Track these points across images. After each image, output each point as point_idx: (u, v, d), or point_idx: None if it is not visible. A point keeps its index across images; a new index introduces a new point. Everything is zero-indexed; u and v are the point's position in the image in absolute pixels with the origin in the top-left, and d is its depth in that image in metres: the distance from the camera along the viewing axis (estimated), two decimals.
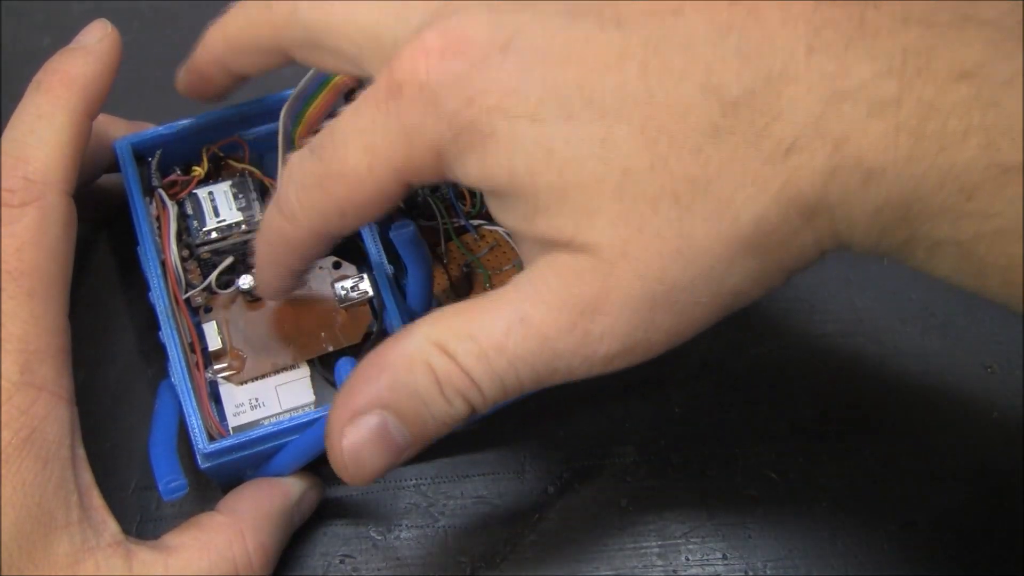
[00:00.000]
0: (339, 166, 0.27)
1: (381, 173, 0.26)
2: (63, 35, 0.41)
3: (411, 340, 0.26)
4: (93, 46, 0.32)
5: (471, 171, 0.25)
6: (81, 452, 0.29)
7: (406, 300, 0.34)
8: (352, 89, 0.34)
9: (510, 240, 0.37)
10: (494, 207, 0.27)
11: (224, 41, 0.32)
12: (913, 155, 0.22)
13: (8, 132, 0.31)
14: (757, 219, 0.24)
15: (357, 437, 0.26)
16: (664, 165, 0.24)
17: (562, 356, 0.25)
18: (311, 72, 0.34)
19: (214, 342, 0.34)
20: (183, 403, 0.32)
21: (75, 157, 0.31)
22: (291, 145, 0.35)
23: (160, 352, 0.33)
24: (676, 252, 0.24)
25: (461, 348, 0.25)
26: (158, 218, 0.35)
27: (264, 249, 0.30)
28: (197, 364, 0.33)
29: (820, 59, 0.23)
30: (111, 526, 0.29)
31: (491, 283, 0.36)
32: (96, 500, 0.29)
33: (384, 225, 0.34)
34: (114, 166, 0.35)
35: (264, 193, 0.36)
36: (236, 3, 0.32)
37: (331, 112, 0.35)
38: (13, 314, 0.28)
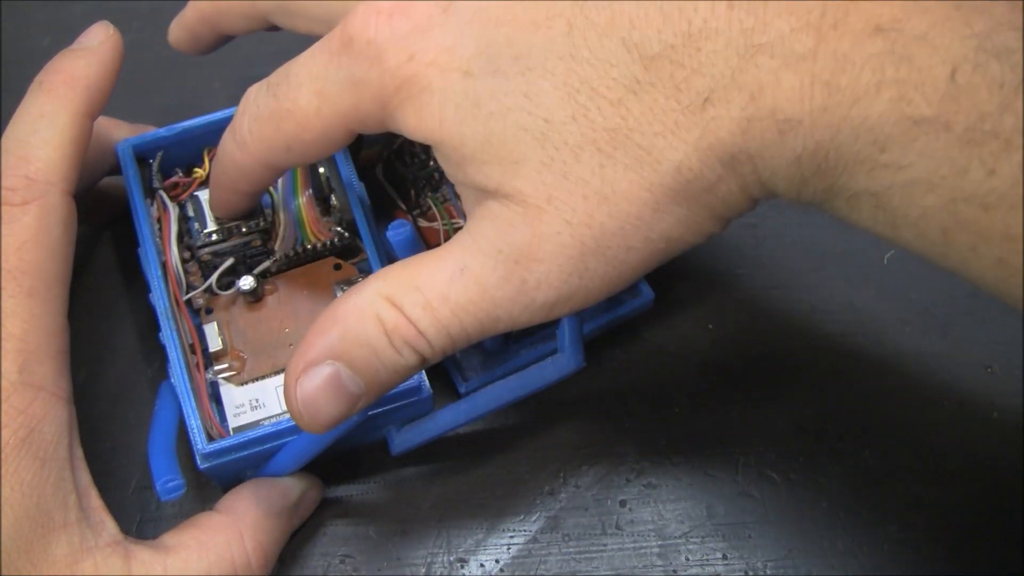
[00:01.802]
0: (290, 105, 0.29)
1: (328, 116, 0.28)
2: (63, 35, 0.41)
3: (361, 294, 0.28)
4: (95, 48, 0.32)
5: (410, 121, 0.27)
6: (79, 452, 0.29)
7: None
8: None
9: None
10: (438, 158, 0.28)
11: (211, 4, 0.35)
12: (827, 106, 0.23)
13: (10, 131, 0.31)
14: (678, 166, 0.25)
15: (311, 386, 0.27)
16: (585, 116, 0.25)
17: (501, 305, 0.27)
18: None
19: (215, 343, 0.34)
20: (182, 403, 0.32)
21: (76, 157, 0.31)
22: None
23: (160, 353, 0.33)
24: (601, 198, 0.26)
25: (408, 300, 0.27)
26: (159, 220, 0.35)
27: (217, 170, 0.32)
28: (197, 365, 0.33)
29: (740, 14, 0.24)
30: (109, 526, 0.29)
31: None
32: (94, 500, 0.29)
33: (383, 226, 0.34)
34: (116, 168, 0.35)
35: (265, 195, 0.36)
36: None
37: None
38: (12, 313, 0.28)
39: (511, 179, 0.26)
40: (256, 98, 0.30)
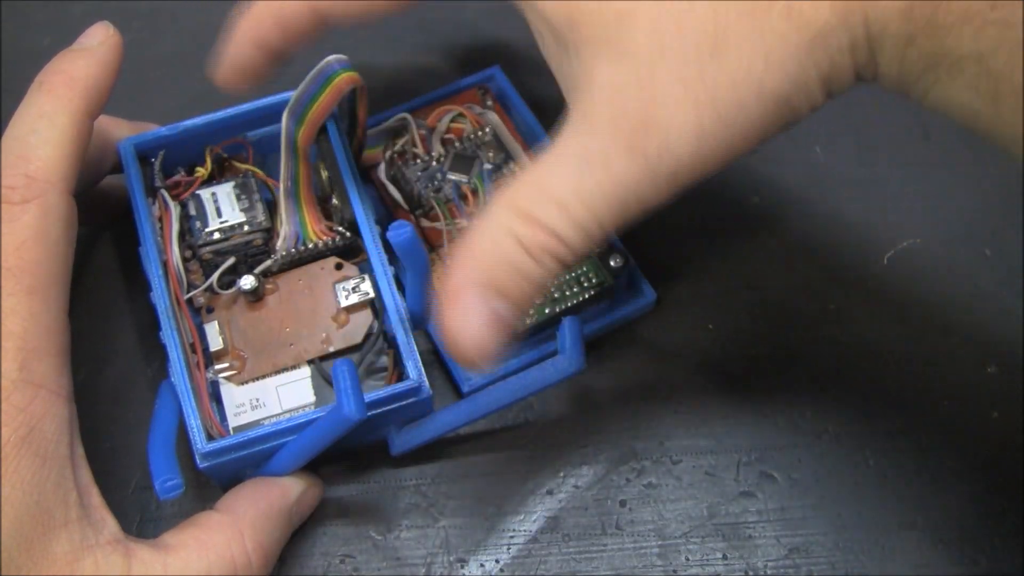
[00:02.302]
0: None
1: None
2: (63, 35, 0.41)
3: (493, 217, 0.27)
4: (95, 48, 0.32)
5: None
6: (80, 451, 0.29)
7: (406, 301, 0.34)
8: (352, 89, 0.34)
9: None
10: (539, 20, 0.27)
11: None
12: None
13: (10, 131, 0.31)
14: (789, 10, 0.24)
15: (473, 329, 0.27)
16: None
17: (629, 184, 0.26)
18: (312, 73, 0.34)
19: (215, 342, 0.34)
20: (182, 403, 0.32)
21: (76, 157, 0.31)
22: (293, 146, 0.35)
23: (161, 352, 0.33)
24: (713, 48, 0.25)
25: (541, 209, 0.26)
26: (160, 218, 0.35)
27: (249, 18, 0.30)
28: (198, 364, 0.33)
29: None
30: (110, 524, 0.29)
31: None
32: (95, 498, 0.29)
33: (384, 227, 0.34)
34: (118, 168, 0.35)
35: (267, 194, 0.36)
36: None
37: (332, 112, 0.35)
38: (12, 311, 0.28)
39: (624, 32, 0.25)
40: None
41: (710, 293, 0.39)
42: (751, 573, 0.34)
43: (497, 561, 0.34)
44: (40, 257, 0.29)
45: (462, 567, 0.34)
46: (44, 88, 0.31)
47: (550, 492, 0.35)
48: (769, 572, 0.34)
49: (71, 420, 0.29)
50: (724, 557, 0.34)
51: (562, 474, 0.36)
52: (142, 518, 0.35)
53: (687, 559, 0.34)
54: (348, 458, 0.36)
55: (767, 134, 0.26)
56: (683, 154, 0.26)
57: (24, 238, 0.29)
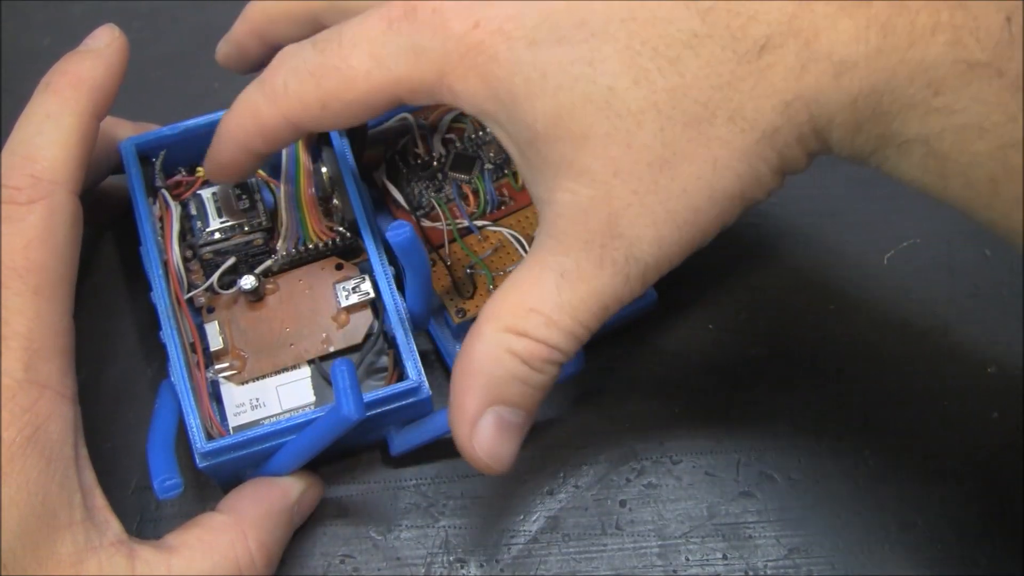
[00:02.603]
0: (339, 63, 0.29)
1: (378, 80, 0.28)
2: (63, 35, 0.42)
3: (484, 339, 0.28)
4: (101, 50, 0.32)
5: (476, 91, 0.27)
6: (84, 451, 0.29)
7: (406, 301, 0.34)
8: None
9: (514, 242, 0.37)
10: (503, 135, 0.29)
11: (262, 12, 0.34)
12: (883, 48, 0.24)
13: (16, 132, 0.31)
14: (732, 116, 0.26)
15: (486, 440, 0.29)
16: (646, 78, 0.26)
17: (606, 291, 0.27)
18: None
19: (216, 342, 0.34)
20: (182, 402, 0.32)
21: (82, 157, 0.31)
22: (294, 146, 0.35)
23: (161, 352, 0.33)
24: (663, 162, 0.26)
25: (529, 324, 0.28)
26: (161, 218, 0.35)
27: (231, 125, 0.31)
28: (198, 364, 0.33)
29: None
30: (114, 525, 0.29)
31: (494, 285, 0.36)
32: (99, 499, 0.29)
33: (385, 226, 0.34)
34: (119, 168, 0.35)
35: (267, 194, 0.36)
36: None
37: None
38: (18, 311, 0.28)
39: (580, 155, 0.27)
40: (298, 53, 0.30)
41: (710, 293, 0.39)
42: (751, 573, 0.34)
43: (497, 561, 0.34)
44: (46, 258, 0.29)
45: (462, 567, 0.34)
46: (50, 89, 0.31)
47: (550, 492, 0.35)
48: (769, 572, 0.34)
49: (75, 421, 0.29)
50: (724, 557, 0.34)
51: (562, 474, 0.36)
52: (142, 518, 0.35)
53: (687, 559, 0.34)
54: (348, 458, 0.36)
55: (726, 224, 0.28)
56: (647, 259, 0.27)
57: (30, 238, 0.29)
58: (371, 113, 0.30)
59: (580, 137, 0.27)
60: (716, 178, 0.26)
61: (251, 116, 0.31)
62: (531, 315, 0.28)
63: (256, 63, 0.35)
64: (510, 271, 0.36)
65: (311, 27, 0.33)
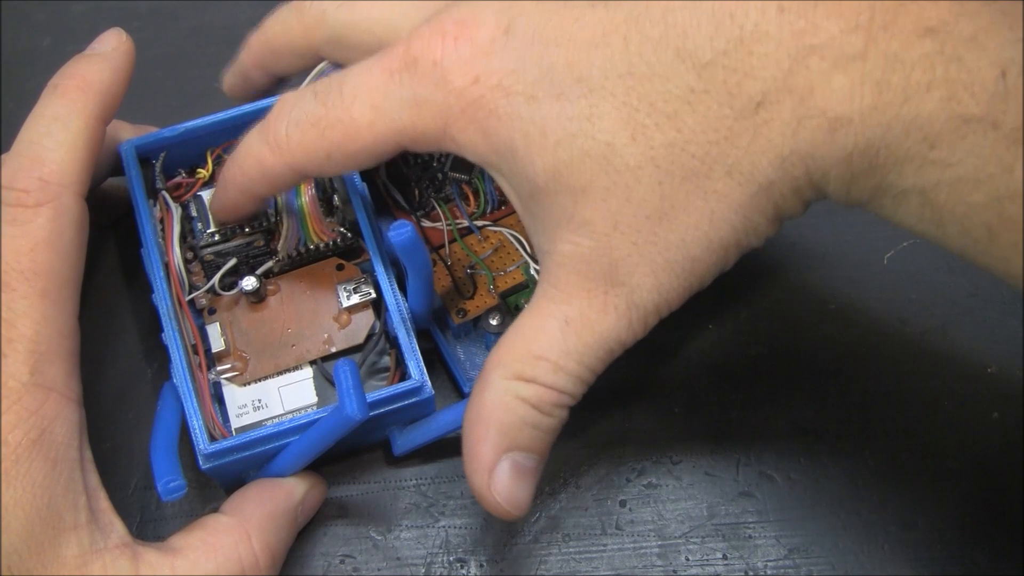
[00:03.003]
0: (341, 114, 0.29)
1: (381, 131, 0.29)
2: (63, 35, 0.42)
3: (493, 388, 0.29)
4: (109, 53, 0.33)
5: (476, 143, 0.28)
6: (88, 454, 0.29)
7: (407, 301, 0.34)
8: None
9: (514, 242, 0.37)
10: (504, 186, 0.29)
11: (264, 46, 0.35)
12: (878, 105, 0.24)
13: (24, 134, 0.31)
14: (729, 170, 0.26)
15: (504, 487, 0.29)
16: (643, 134, 0.26)
17: (610, 335, 0.28)
18: (312, 74, 0.34)
19: (217, 344, 0.34)
20: (184, 404, 0.32)
21: (89, 160, 0.31)
22: None
23: (162, 353, 0.33)
24: (661, 215, 0.27)
25: (537, 371, 0.29)
26: (162, 220, 0.35)
27: (235, 172, 0.32)
28: (200, 365, 0.33)
29: (790, 17, 0.25)
30: (118, 527, 0.29)
31: (495, 285, 0.36)
32: (103, 502, 0.29)
33: (385, 227, 0.34)
34: (119, 169, 0.35)
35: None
36: (274, 12, 0.35)
37: None
38: (25, 314, 0.28)
39: (580, 208, 0.27)
40: (299, 103, 0.30)
41: (710, 293, 0.39)
42: (751, 573, 0.34)
43: (497, 561, 0.34)
44: (53, 260, 0.29)
45: (462, 567, 0.34)
46: (58, 92, 0.31)
47: (550, 492, 0.35)
48: (769, 572, 0.34)
49: (80, 423, 0.29)
50: (724, 557, 0.34)
51: (562, 474, 0.36)
52: (142, 518, 0.35)
53: (687, 559, 0.34)
54: (348, 458, 0.36)
55: (724, 269, 0.29)
56: (647, 305, 0.28)
57: (37, 241, 0.29)
58: (376, 160, 0.30)
59: (580, 191, 0.27)
60: (713, 229, 0.27)
61: (256, 164, 0.31)
62: (538, 362, 0.29)
63: (260, 92, 0.37)
64: (511, 271, 0.37)
65: (311, 60, 0.34)
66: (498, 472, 0.29)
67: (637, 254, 0.27)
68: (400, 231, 0.31)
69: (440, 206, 0.37)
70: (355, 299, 0.35)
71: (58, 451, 0.28)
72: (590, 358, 0.29)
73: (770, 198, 0.27)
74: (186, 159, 0.36)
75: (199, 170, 0.36)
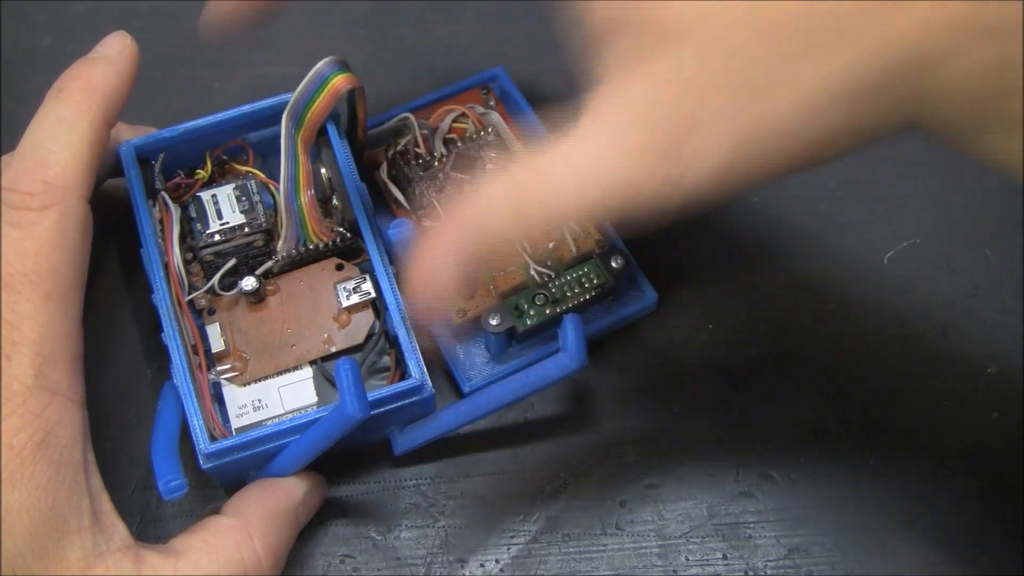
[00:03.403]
0: None
1: None
2: (63, 35, 0.42)
3: (498, 188, 0.28)
4: (113, 56, 0.32)
5: None
6: (91, 456, 0.29)
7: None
8: (351, 90, 0.34)
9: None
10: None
11: None
12: None
13: (28, 136, 0.31)
14: (846, 69, 0.24)
15: (441, 287, 0.28)
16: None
17: (641, 182, 0.26)
18: (309, 75, 0.34)
19: (217, 344, 0.34)
20: (185, 404, 0.32)
21: (94, 163, 0.31)
22: (293, 148, 0.35)
23: (161, 353, 0.33)
24: (761, 88, 0.25)
25: (559, 182, 0.26)
26: (161, 221, 0.35)
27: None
28: (200, 365, 0.33)
29: None
30: (120, 530, 0.29)
31: (495, 285, 0.36)
32: (106, 504, 0.29)
33: (385, 226, 0.34)
34: (118, 170, 0.35)
35: (267, 196, 0.36)
36: None
37: (331, 113, 0.35)
38: (29, 317, 0.28)
39: (676, 50, 0.26)
40: None
41: (710, 293, 0.39)
42: (751, 573, 0.34)
43: (497, 561, 0.34)
44: (57, 263, 0.29)
45: (462, 567, 0.34)
46: (63, 95, 0.31)
47: (550, 492, 0.35)
48: (769, 572, 0.34)
49: (84, 426, 0.29)
50: (724, 557, 0.34)
51: (562, 474, 0.36)
52: (142, 518, 0.35)
53: (687, 559, 0.34)
54: (348, 458, 0.36)
55: (787, 173, 0.26)
56: (706, 180, 0.26)
57: (42, 244, 0.29)
58: None
59: (681, 35, 0.25)
60: (804, 122, 0.25)
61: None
62: (566, 174, 0.26)
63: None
64: (511, 271, 0.37)
65: None
66: (447, 265, 0.28)
67: (725, 121, 0.25)
68: (399, 228, 0.31)
69: (440, 206, 0.37)
70: (355, 299, 0.35)
71: (62, 454, 0.28)
72: (615, 195, 0.26)
73: (870, 114, 0.25)
74: (185, 160, 0.36)
75: (198, 171, 0.36)
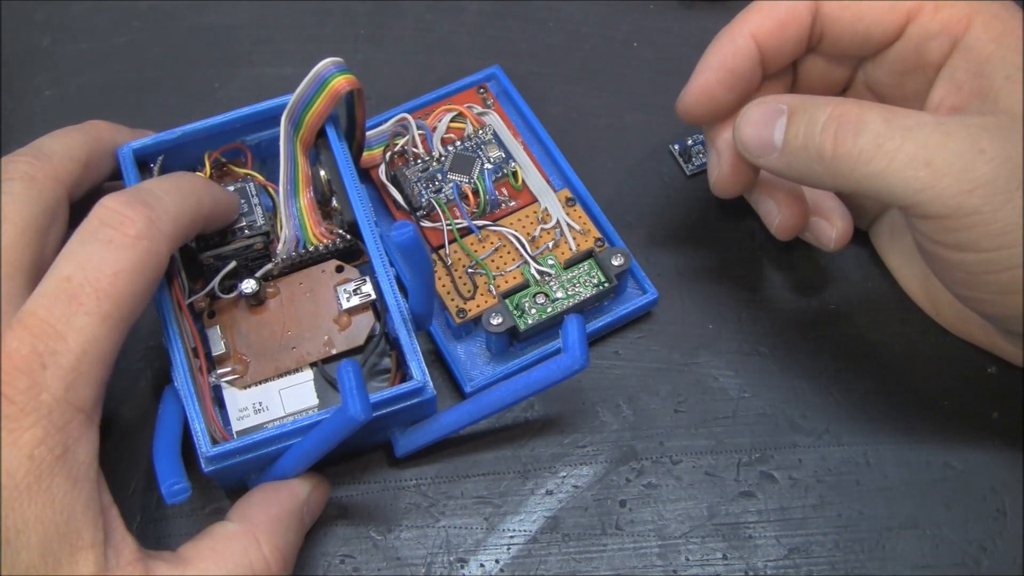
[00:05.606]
0: None
1: None
2: (63, 35, 0.41)
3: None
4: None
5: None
6: (101, 475, 0.29)
7: (408, 301, 0.34)
8: (349, 91, 0.34)
9: (514, 242, 0.37)
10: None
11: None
12: None
13: (148, 183, 0.32)
14: None
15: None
16: None
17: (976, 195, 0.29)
18: (308, 77, 0.34)
19: (218, 347, 0.34)
20: (186, 407, 0.32)
21: (191, 230, 0.32)
22: (292, 149, 0.35)
23: (161, 357, 0.33)
24: None
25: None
26: None
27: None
28: (200, 368, 0.33)
29: None
30: (130, 544, 0.29)
31: (495, 285, 0.36)
32: (116, 520, 0.29)
33: (385, 228, 0.34)
34: (117, 173, 0.35)
35: (266, 198, 0.36)
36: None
37: (329, 115, 0.35)
38: (79, 331, 0.28)
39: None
40: None
41: (710, 293, 0.39)
42: (751, 573, 0.34)
43: (497, 561, 0.34)
44: (126, 291, 0.29)
45: (462, 567, 0.34)
46: (187, 179, 0.33)
47: (550, 492, 0.35)
48: (769, 572, 0.34)
49: (96, 445, 0.29)
50: (724, 557, 0.34)
51: (562, 474, 0.36)
52: (142, 519, 0.35)
53: (687, 559, 0.34)
54: (348, 459, 0.36)
55: None
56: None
57: (121, 268, 0.29)
58: None
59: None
60: None
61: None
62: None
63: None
64: (511, 271, 0.37)
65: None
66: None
67: None
68: (402, 231, 0.31)
69: (439, 206, 0.37)
70: (355, 301, 0.35)
71: (79, 470, 0.28)
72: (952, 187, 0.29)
73: None
74: (184, 162, 0.36)
75: (197, 173, 0.36)
